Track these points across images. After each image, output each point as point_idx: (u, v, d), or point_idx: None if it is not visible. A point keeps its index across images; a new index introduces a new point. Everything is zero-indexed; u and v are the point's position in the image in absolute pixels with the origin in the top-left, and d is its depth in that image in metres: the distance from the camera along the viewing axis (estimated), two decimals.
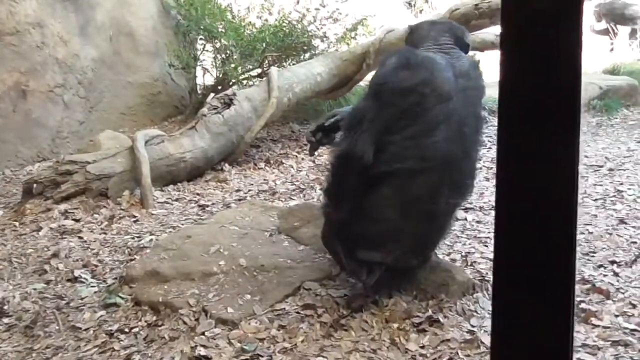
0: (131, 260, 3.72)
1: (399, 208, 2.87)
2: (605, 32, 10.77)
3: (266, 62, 7.37)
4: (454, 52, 3.08)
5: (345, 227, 2.96)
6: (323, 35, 7.62)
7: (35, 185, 4.76)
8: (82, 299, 3.30)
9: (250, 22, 7.54)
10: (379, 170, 2.85)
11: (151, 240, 4.01)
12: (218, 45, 7.56)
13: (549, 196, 0.88)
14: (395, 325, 2.81)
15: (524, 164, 0.88)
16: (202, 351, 2.69)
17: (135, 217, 4.52)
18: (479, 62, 3.45)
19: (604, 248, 3.53)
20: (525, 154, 0.88)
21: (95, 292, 3.36)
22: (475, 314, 2.90)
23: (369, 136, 2.83)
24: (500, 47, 0.90)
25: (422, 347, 2.66)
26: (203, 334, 2.82)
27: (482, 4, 6.12)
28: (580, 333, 2.69)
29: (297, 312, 2.96)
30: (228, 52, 7.50)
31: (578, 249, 3.41)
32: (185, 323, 2.91)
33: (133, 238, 4.11)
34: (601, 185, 4.61)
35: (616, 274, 3.22)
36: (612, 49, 10.57)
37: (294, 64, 7.12)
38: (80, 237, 4.15)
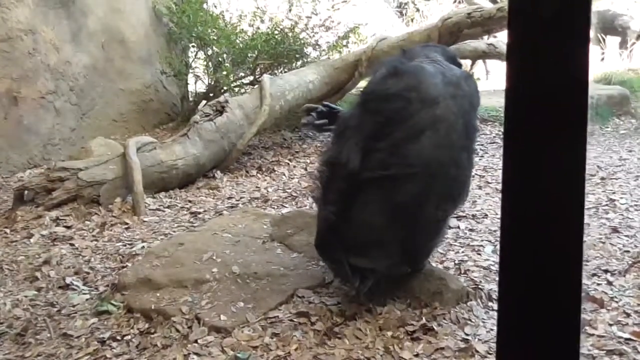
0: (123, 267, 3.70)
1: (386, 214, 2.86)
2: (596, 41, 10.83)
3: (258, 69, 7.39)
4: (445, 64, 3.12)
5: (336, 234, 2.96)
6: (315, 43, 7.64)
7: (26, 192, 4.75)
8: (73, 306, 3.28)
9: (242, 29, 7.54)
10: (365, 176, 2.85)
11: (143, 247, 4.00)
12: (210, 52, 7.56)
13: (556, 203, 0.87)
14: (389, 334, 2.80)
15: (531, 171, 0.88)
16: (195, 359, 2.68)
17: (127, 224, 4.50)
18: (472, 74, 3.49)
19: (597, 257, 3.53)
20: (532, 162, 0.87)
21: (87, 300, 3.34)
22: (469, 322, 2.89)
23: (355, 143, 2.85)
24: (507, 55, 0.90)
25: (417, 356, 2.65)
26: (196, 341, 2.80)
27: (475, 13, 6.14)
28: None
29: (291, 320, 2.94)
30: (220, 59, 7.49)
31: None
32: (178, 331, 2.89)
33: (125, 245, 4.09)
34: (593, 194, 4.62)
35: (610, 283, 3.22)
36: (602, 59, 10.62)
37: (286, 72, 7.14)
38: (71, 244, 4.13)
